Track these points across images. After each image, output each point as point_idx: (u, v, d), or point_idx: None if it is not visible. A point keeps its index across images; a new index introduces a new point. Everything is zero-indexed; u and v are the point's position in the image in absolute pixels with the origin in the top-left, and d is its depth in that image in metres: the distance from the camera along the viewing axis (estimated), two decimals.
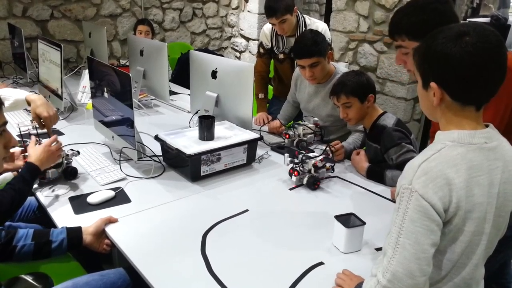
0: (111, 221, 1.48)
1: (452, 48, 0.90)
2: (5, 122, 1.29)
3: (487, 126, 0.99)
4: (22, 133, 1.88)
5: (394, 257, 0.94)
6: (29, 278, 1.45)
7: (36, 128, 1.93)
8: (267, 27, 2.77)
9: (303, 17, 2.67)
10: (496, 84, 0.93)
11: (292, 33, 2.64)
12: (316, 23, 2.66)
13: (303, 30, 2.60)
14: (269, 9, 2.51)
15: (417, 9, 1.35)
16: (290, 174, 1.80)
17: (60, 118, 2.51)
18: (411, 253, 0.92)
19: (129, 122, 1.81)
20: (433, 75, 0.95)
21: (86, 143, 2.16)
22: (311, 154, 1.82)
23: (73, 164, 1.81)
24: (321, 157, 1.81)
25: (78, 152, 1.87)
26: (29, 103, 1.92)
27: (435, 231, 0.92)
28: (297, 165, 1.78)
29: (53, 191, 1.69)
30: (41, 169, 1.59)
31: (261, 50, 2.83)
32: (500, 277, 1.91)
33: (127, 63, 3.29)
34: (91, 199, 1.61)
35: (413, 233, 0.92)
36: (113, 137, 2.00)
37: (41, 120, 1.90)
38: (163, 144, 1.88)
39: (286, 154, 1.81)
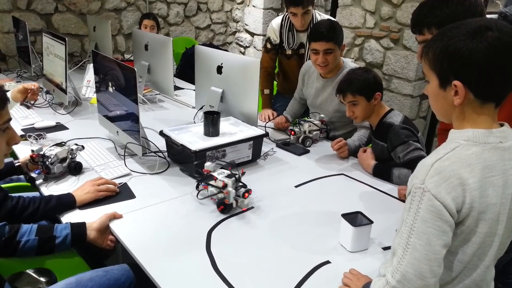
0: (115, 217, 1.47)
1: (478, 44, 0.87)
2: (9, 119, 1.29)
3: (501, 125, 0.96)
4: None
5: (404, 258, 0.92)
6: (32, 274, 1.45)
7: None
8: (276, 22, 2.73)
9: (314, 12, 2.65)
10: None
11: (304, 28, 2.62)
12: (328, 17, 2.64)
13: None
14: None
15: (449, 1, 1.31)
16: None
17: (64, 113, 2.50)
18: (422, 254, 0.90)
19: (134, 117, 1.80)
20: (456, 73, 0.91)
21: (91, 138, 2.15)
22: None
23: (78, 159, 1.80)
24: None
25: (83, 147, 1.86)
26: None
27: (447, 232, 0.90)
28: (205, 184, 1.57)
29: (58, 186, 1.68)
30: (76, 204, 1.53)
31: (268, 46, 2.79)
32: (506, 277, 1.88)
33: (132, 58, 3.27)
34: None
35: (425, 234, 0.90)
36: (117, 132, 1.99)
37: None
38: (168, 139, 1.87)
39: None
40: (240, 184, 1.56)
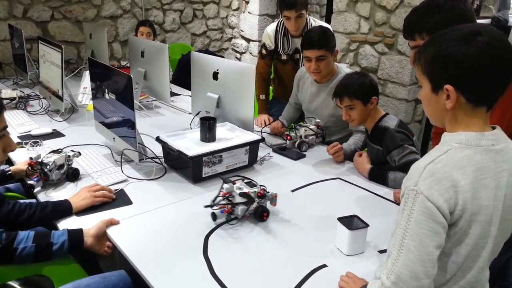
0: (112, 223, 1.47)
1: (469, 48, 0.89)
2: (6, 127, 1.29)
3: (493, 128, 0.98)
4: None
5: (398, 259, 0.93)
6: (28, 281, 1.44)
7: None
8: (271, 28, 2.76)
9: (309, 18, 2.68)
10: (508, 83, 0.93)
11: (299, 33, 2.64)
12: (320, 24, 2.66)
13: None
14: (290, 1, 2.49)
15: (439, 7, 1.33)
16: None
17: (61, 120, 2.51)
18: (416, 255, 0.91)
19: (130, 124, 1.80)
20: (448, 77, 0.93)
21: (87, 144, 2.15)
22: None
23: (74, 165, 1.81)
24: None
25: (79, 153, 1.86)
26: None
27: (440, 233, 0.91)
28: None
29: (57, 192, 1.69)
30: (72, 211, 1.53)
31: (263, 51, 2.82)
32: (502, 279, 1.89)
33: (128, 64, 3.28)
34: None
35: (418, 235, 0.91)
36: (114, 138, 1.99)
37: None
38: (165, 145, 1.88)
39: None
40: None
